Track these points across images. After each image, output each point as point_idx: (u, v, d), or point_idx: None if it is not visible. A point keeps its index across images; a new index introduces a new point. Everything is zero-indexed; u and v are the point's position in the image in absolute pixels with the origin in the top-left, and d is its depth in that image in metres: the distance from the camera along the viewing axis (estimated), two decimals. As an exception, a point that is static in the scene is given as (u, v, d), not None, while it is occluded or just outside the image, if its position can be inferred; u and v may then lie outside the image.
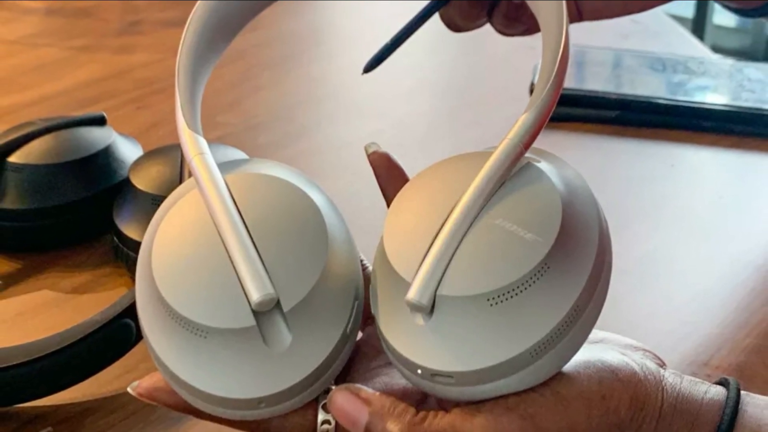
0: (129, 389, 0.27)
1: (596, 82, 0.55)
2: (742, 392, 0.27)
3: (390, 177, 0.30)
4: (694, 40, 0.67)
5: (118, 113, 0.53)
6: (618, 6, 0.37)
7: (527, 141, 0.26)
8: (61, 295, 0.40)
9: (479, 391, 0.25)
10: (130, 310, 0.34)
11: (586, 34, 0.49)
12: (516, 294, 0.24)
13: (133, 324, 0.34)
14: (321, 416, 0.26)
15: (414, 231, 0.26)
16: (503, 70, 0.62)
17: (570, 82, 0.55)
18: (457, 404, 0.25)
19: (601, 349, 0.27)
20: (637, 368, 0.26)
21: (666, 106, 0.53)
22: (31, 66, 0.59)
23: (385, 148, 0.31)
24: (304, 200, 0.27)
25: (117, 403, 0.34)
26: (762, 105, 0.53)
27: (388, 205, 0.29)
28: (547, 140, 0.27)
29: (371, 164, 0.31)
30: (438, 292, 0.24)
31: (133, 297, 0.27)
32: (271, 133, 0.53)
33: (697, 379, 0.27)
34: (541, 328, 0.24)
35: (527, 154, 0.27)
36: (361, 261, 0.29)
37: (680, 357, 0.36)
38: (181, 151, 0.28)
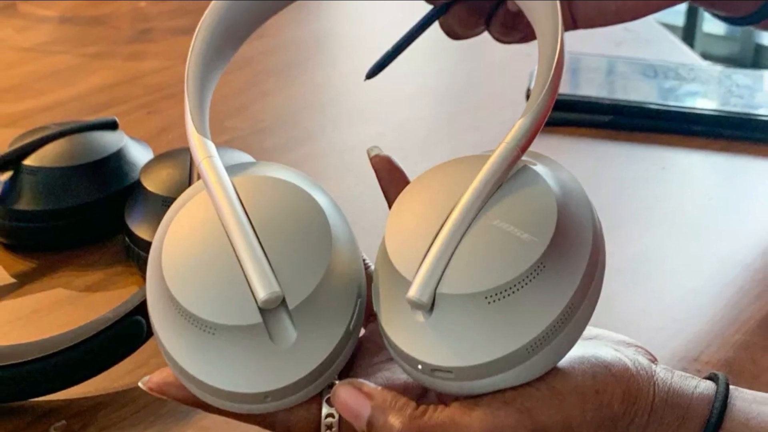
0: (140, 384, 0.27)
1: (590, 87, 0.55)
2: (730, 387, 0.27)
3: (391, 179, 0.31)
4: (684, 48, 0.67)
5: (129, 118, 0.53)
6: (611, 14, 0.38)
7: (524, 144, 0.27)
8: (75, 293, 0.41)
9: (477, 386, 0.25)
10: (141, 308, 0.34)
11: (581, 42, 0.50)
12: (513, 292, 0.24)
13: (143, 321, 0.34)
14: (325, 410, 0.27)
15: (415, 231, 0.26)
16: (501, 76, 0.62)
17: (565, 88, 0.55)
18: (456, 398, 0.26)
19: (595, 345, 0.27)
20: (629, 364, 0.27)
21: (657, 111, 0.54)
22: (46, 72, 0.60)
23: (386, 151, 0.31)
24: (309, 202, 0.27)
25: (128, 397, 0.35)
26: (750, 110, 0.54)
27: (390, 207, 0.30)
28: (543, 144, 0.27)
29: (373, 167, 0.31)
30: (438, 290, 0.25)
31: (144, 295, 0.27)
32: (276, 137, 0.54)
33: (688, 374, 0.28)
34: (537, 325, 0.25)
35: (524, 157, 0.27)
36: (364, 260, 0.29)
37: (671, 353, 0.37)
38: (191, 154, 0.28)
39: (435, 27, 0.38)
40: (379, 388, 0.26)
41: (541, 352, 0.25)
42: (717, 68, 0.61)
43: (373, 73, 0.37)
